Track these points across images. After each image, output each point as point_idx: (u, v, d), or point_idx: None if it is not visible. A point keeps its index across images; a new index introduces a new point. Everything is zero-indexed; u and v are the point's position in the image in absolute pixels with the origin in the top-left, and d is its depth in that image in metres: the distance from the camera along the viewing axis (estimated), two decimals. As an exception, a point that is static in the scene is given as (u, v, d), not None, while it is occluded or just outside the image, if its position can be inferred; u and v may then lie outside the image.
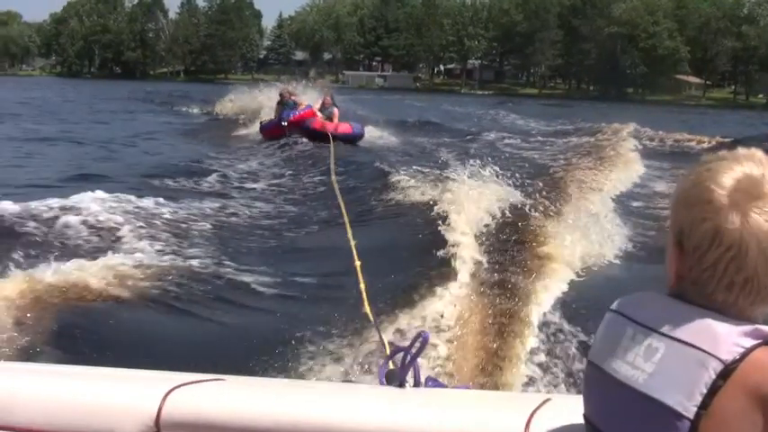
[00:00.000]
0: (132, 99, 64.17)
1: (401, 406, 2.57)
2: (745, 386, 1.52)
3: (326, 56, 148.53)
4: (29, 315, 8.58)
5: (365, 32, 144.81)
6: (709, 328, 1.57)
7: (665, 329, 1.62)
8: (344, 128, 28.52)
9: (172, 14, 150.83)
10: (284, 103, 28.78)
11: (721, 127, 51.20)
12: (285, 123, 27.44)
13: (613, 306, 1.79)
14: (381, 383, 2.88)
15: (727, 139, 36.70)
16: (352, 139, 28.09)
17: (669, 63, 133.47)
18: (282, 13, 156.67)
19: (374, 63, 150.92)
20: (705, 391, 1.53)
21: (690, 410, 1.53)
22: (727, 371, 1.52)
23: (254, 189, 19.63)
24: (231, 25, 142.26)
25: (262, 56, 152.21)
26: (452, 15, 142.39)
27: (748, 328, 1.56)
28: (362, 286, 5.16)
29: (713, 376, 1.53)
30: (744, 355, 1.53)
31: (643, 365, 1.62)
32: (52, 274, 9.52)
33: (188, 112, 47.95)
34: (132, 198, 15.29)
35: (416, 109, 44.03)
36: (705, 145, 35.74)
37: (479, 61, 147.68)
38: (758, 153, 1.64)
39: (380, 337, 3.96)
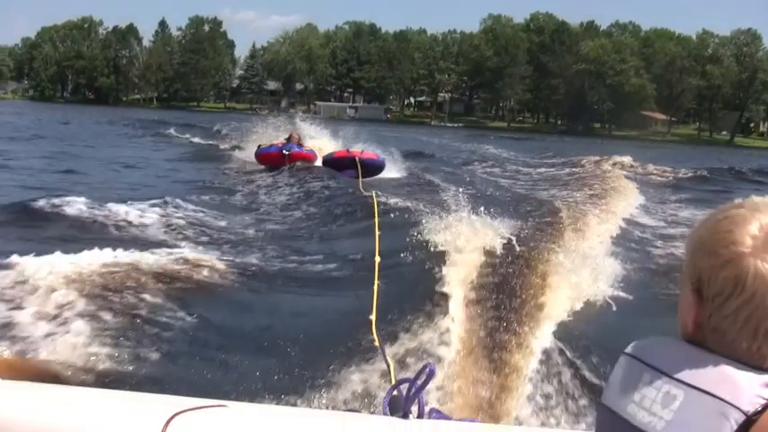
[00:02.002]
0: (137, 126, 63.47)
1: None
2: None
3: (298, 86, 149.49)
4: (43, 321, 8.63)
5: (337, 64, 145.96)
6: (730, 377, 1.54)
7: (684, 377, 1.59)
8: (369, 154, 28.44)
9: (146, 42, 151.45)
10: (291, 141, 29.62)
11: (691, 161, 52.72)
12: (287, 153, 27.86)
13: (628, 350, 1.76)
14: (385, 413, 2.91)
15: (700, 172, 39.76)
16: (376, 167, 27.97)
17: (635, 99, 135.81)
18: (255, 44, 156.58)
19: (345, 94, 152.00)
20: None
21: None
22: (749, 422, 1.49)
23: (260, 207, 19.90)
24: (205, 54, 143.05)
25: (234, 85, 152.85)
26: (423, 49, 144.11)
27: None
28: (373, 317, 5.40)
29: (734, 427, 1.49)
30: (765, 407, 1.50)
31: (661, 412, 1.59)
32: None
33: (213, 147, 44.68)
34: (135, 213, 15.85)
35: (392, 140, 45.15)
36: (681, 175, 37.82)
37: (449, 94, 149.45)
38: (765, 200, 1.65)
39: (388, 366, 4.02)
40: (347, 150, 28.46)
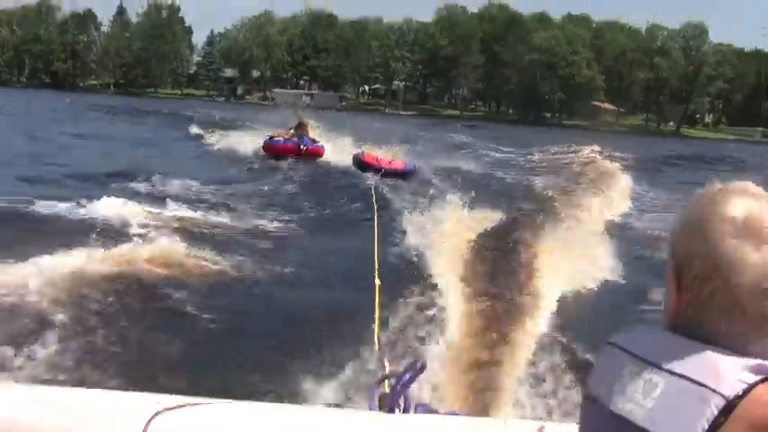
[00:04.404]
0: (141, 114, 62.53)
1: (389, 431, 2.53)
2: (748, 422, 1.46)
3: (255, 73, 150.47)
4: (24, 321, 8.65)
5: (294, 52, 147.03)
6: (711, 362, 1.52)
7: (664, 364, 1.57)
8: (397, 165, 28.73)
9: (104, 27, 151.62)
10: (301, 131, 30.53)
11: (641, 149, 55.22)
12: (304, 149, 29.37)
13: (611, 339, 1.74)
14: (371, 408, 2.89)
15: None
16: (402, 175, 27.95)
17: (586, 90, 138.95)
18: (213, 30, 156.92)
19: (301, 82, 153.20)
20: (707, 427, 1.47)
21: None
22: (730, 407, 1.46)
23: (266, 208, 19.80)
24: (163, 40, 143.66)
25: (192, 71, 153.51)
26: (380, 38, 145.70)
27: (751, 362, 1.51)
28: (377, 313, 5.32)
29: (715, 412, 1.46)
30: (746, 391, 1.47)
31: (642, 401, 1.57)
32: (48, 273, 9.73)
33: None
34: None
35: (355, 128, 46.24)
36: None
37: (404, 83, 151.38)
38: (752, 187, 1.64)
39: (384, 362, 3.89)
40: (376, 158, 28.67)
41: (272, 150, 30.13)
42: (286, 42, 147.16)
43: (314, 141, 30.44)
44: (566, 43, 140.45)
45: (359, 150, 30.14)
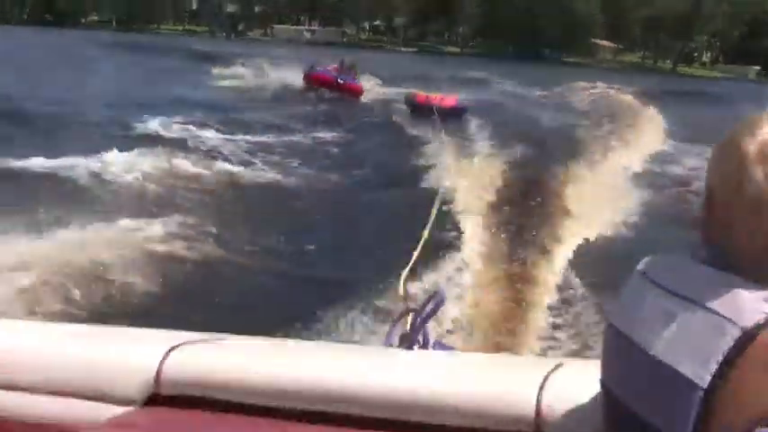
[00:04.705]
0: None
1: (406, 368, 2.50)
2: (766, 356, 1.39)
3: (257, 9, 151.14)
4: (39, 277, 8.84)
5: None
6: (731, 292, 1.45)
7: (686, 293, 1.52)
8: (449, 102, 28.12)
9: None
10: (345, 71, 30.76)
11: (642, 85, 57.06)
12: (341, 82, 29.27)
13: (639, 267, 1.69)
14: (389, 344, 2.83)
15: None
16: (456, 113, 27.21)
17: (585, 27, 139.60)
18: None
19: (302, 18, 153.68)
20: (722, 359, 1.40)
21: (705, 380, 1.41)
22: (747, 337, 1.39)
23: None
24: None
25: (194, 7, 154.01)
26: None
27: None
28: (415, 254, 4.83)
29: (731, 343, 1.40)
30: (765, 323, 1.40)
31: (662, 331, 1.51)
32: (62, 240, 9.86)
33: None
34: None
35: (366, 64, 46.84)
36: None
37: (404, 19, 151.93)
38: None
39: (405, 300, 3.51)
40: (426, 96, 28.52)
41: (311, 79, 30.05)
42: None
43: (354, 78, 30.21)
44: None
45: (413, 92, 29.65)
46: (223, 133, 20.37)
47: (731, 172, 1.51)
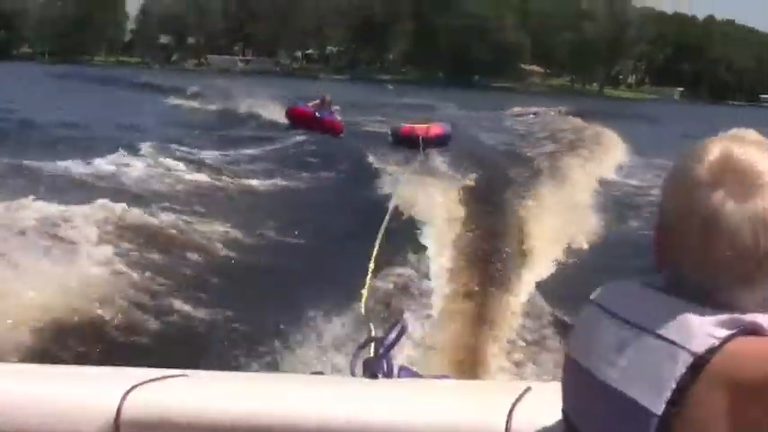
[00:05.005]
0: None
1: (372, 397, 2.45)
2: (719, 379, 1.38)
3: (190, 40, 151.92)
4: None
5: (229, 18, 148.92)
6: (682, 318, 1.45)
7: (638, 321, 1.51)
8: (435, 130, 26.83)
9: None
10: (322, 107, 29.24)
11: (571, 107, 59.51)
12: (319, 116, 27.58)
13: (592, 296, 1.68)
14: (353, 374, 2.78)
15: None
16: (442, 142, 26.39)
17: (514, 53, 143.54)
18: None
19: (236, 48, 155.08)
20: (675, 386, 1.40)
21: (659, 407, 1.41)
22: (699, 363, 1.39)
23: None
24: (98, 6, 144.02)
25: (127, 39, 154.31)
26: (313, 4, 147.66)
27: (724, 317, 1.43)
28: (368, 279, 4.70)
29: (683, 370, 1.40)
30: (717, 347, 1.39)
31: (616, 360, 1.51)
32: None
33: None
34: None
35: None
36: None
37: (337, 48, 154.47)
38: (745, 133, 1.57)
39: (369, 327, 3.24)
40: (411, 127, 27.21)
41: (292, 114, 29.06)
42: (221, 9, 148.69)
43: (332, 114, 28.98)
44: (494, 8, 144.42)
45: (401, 124, 28.34)
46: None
47: (680, 197, 1.52)
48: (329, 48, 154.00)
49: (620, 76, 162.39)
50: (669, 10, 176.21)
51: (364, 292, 4.18)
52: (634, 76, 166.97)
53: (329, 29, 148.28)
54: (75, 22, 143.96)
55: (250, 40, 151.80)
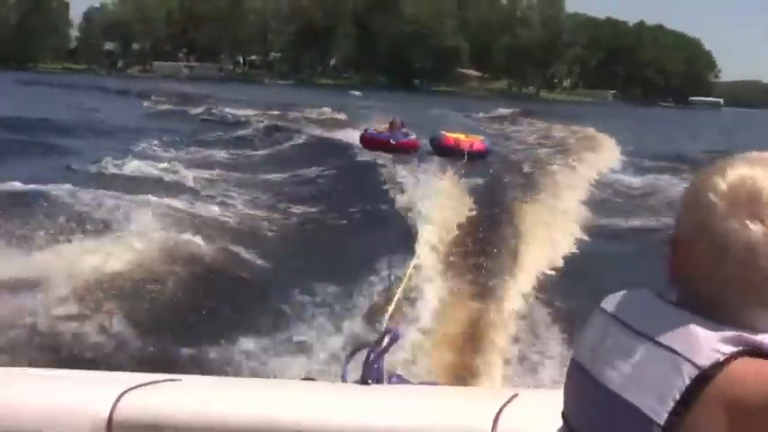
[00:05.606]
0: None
1: (363, 403, 2.49)
2: (720, 396, 1.40)
3: (135, 46, 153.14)
4: None
5: (172, 25, 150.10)
6: (690, 331, 1.47)
7: (646, 331, 1.53)
8: (479, 145, 27.26)
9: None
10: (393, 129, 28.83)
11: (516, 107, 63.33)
12: (393, 142, 26.80)
13: (602, 303, 1.70)
14: (344, 380, 2.82)
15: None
16: (482, 156, 26.51)
17: (452, 58, 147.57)
18: (93, 3, 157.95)
19: (180, 54, 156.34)
20: (678, 396, 1.42)
21: (661, 416, 1.43)
22: (704, 377, 1.41)
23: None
24: (42, 12, 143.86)
25: (72, 46, 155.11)
26: (256, 11, 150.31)
27: (731, 333, 1.44)
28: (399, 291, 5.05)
29: (687, 382, 1.41)
30: (722, 363, 1.41)
31: (621, 367, 1.53)
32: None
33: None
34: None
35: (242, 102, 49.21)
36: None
37: (279, 53, 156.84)
38: (764, 155, 1.56)
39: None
40: (455, 138, 27.49)
41: (366, 141, 28.17)
42: (165, 16, 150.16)
43: (406, 135, 28.31)
44: (433, 13, 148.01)
45: (441, 133, 28.40)
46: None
47: (695, 214, 1.53)
48: (272, 53, 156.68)
49: (556, 80, 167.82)
50: (601, 15, 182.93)
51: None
52: (569, 80, 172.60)
53: (272, 34, 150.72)
54: (17, 29, 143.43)
55: (194, 47, 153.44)
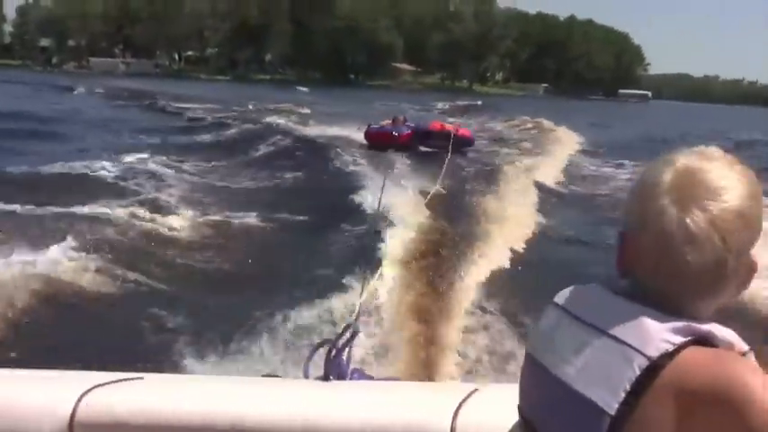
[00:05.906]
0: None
1: (324, 399, 2.48)
2: (669, 386, 1.43)
3: (71, 43, 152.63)
4: None
5: (109, 21, 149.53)
6: (639, 323, 1.49)
7: (597, 324, 1.56)
8: (464, 132, 27.58)
9: None
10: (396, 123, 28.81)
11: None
12: (397, 135, 26.59)
13: (555, 298, 1.72)
14: (306, 376, 2.83)
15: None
16: (467, 144, 26.83)
17: (387, 53, 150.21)
18: (26, 1, 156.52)
19: (117, 51, 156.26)
20: (629, 387, 1.45)
21: (613, 407, 1.46)
22: (653, 367, 1.44)
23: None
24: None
25: (7, 42, 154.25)
26: (193, 8, 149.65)
27: (680, 324, 1.47)
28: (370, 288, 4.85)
29: (637, 372, 1.45)
30: (672, 353, 1.44)
31: (574, 360, 1.56)
32: None
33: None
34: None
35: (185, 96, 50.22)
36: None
37: (216, 50, 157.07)
38: (708, 150, 1.58)
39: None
40: (441, 124, 27.60)
41: (370, 136, 27.76)
42: (101, 12, 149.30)
43: (410, 129, 27.96)
44: (367, 10, 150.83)
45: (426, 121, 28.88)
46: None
47: (641, 205, 1.54)
48: (208, 50, 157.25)
49: (488, 74, 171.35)
50: (532, 10, 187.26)
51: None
52: (501, 74, 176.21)
53: (208, 31, 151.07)
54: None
55: (129, 43, 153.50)
